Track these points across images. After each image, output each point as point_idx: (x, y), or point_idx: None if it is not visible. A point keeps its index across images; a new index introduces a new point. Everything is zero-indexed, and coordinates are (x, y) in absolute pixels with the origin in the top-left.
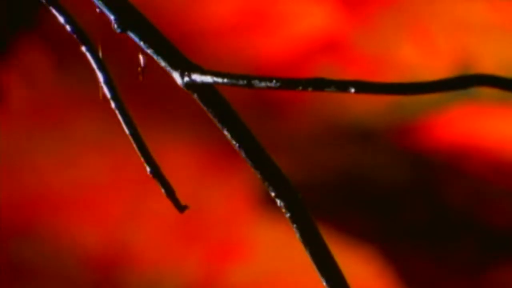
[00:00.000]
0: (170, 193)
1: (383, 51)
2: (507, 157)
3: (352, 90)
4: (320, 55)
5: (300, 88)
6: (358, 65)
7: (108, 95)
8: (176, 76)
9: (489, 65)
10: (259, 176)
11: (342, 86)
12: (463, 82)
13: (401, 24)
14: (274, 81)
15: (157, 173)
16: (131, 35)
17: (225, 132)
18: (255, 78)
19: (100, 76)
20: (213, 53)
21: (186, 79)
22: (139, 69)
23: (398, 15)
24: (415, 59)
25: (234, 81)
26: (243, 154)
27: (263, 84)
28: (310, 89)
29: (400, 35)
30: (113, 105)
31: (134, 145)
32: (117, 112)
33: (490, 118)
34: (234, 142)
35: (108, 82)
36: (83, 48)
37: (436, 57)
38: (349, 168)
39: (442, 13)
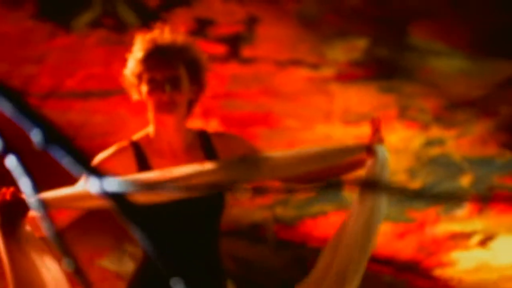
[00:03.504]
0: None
1: None
2: None
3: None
4: None
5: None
6: None
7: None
8: (91, 183)
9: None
10: (156, 260)
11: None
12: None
13: (277, 146)
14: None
15: (78, 270)
16: (52, 151)
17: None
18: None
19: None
20: None
21: (101, 187)
22: None
23: (274, 137)
24: None
25: (141, 188)
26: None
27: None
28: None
29: None
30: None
31: (57, 245)
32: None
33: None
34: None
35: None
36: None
37: None
38: (246, 256)
39: (308, 135)
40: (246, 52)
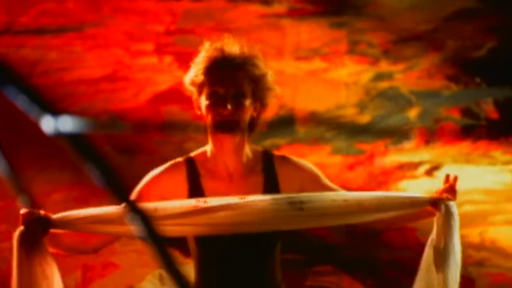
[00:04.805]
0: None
1: None
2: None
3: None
4: (167, 103)
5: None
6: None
7: None
8: (44, 123)
9: (301, 108)
10: (113, 197)
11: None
12: None
13: None
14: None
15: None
16: (5, 91)
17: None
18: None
19: None
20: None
21: (55, 126)
22: None
23: None
24: None
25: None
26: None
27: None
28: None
29: None
30: None
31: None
32: None
33: (306, 152)
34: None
35: None
36: None
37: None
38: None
39: None
40: None
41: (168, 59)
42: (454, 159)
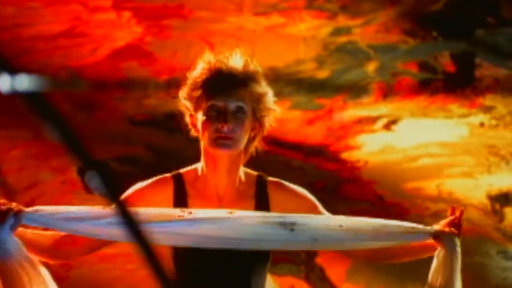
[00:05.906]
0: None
1: (174, 55)
2: (283, 135)
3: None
4: (126, 59)
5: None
6: (157, 66)
7: None
8: (0, 80)
9: (260, 64)
10: (72, 155)
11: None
12: None
13: (189, 37)
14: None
15: None
16: None
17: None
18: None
19: None
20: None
21: (11, 85)
22: None
23: (187, 29)
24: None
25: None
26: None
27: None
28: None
29: (189, 46)
30: None
31: None
32: None
33: None
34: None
35: None
36: None
37: None
38: (162, 145)
39: (220, 27)
40: None
41: (126, 14)
42: (411, 113)
